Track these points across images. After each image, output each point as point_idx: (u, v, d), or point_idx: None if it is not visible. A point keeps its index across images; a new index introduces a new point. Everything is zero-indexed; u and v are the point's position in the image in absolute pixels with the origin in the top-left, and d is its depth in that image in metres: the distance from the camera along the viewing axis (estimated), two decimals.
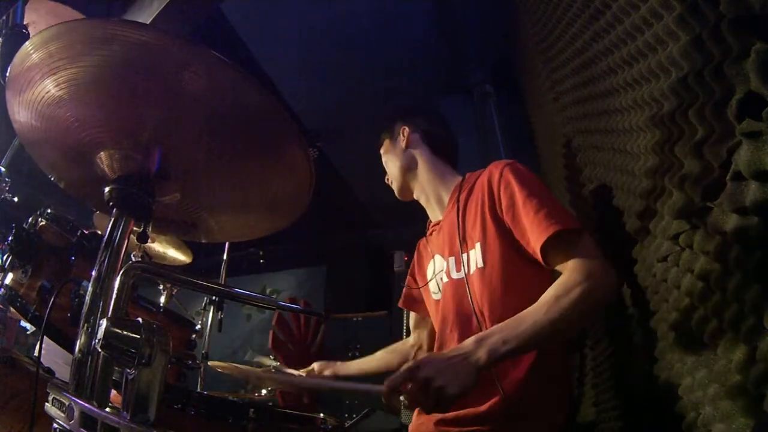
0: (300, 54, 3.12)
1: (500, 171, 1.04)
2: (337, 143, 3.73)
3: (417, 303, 1.32)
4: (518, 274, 0.99)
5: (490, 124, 2.87)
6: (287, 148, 0.74)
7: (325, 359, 1.42)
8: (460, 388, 0.73)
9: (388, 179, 1.33)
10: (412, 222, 1.39)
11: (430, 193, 1.24)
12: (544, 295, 0.84)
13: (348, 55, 3.13)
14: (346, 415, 2.66)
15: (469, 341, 0.80)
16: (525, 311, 0.83)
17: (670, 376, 0.75)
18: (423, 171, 1.25)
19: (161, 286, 2.07)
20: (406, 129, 1.28)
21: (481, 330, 0.94)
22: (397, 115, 1.36)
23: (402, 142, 1.28)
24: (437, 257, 1.19)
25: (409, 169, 1.26)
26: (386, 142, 1.33)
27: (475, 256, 1.04)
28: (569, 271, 0.86)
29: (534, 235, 0.92)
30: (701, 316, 0.64)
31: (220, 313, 2.23)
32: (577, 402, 1.24)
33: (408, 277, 1.37)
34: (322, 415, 1.06)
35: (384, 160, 1.33)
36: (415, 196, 1.30)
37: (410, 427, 1.06)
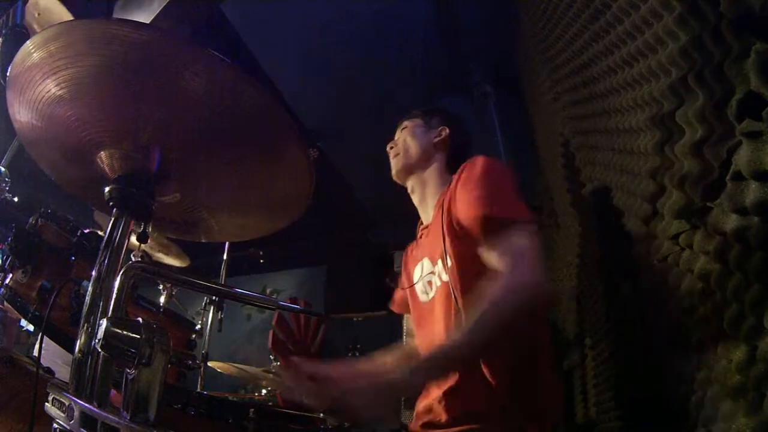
0: (300, 54, 3.12)
1: (462, 168, 1.08)
2: (337, 143, 3.73)
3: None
4: (474, 262, 0.98)
5: (490, 124, 2.87)
6: (287, 148, 0.74)
7: (325, 359, 1.42)
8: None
9: (392, 147, 1.31)
10: (412, 222, 1.38)
11: (428, 194, 1.25)
12: (468, 316, 0.84)
13: (348, 55, 3.12)
14: None
15: (399, 367, 0.80)
16: (452, 335, 0.85)
17: (670, 377, 0.75)
18: (432, 173, 1.26)
19: (161, 286, 2.08)
20: (447, 131, 1.29)
21: None
22: (444, 112, 1.36)
23: (436, 138, 1.28)
24: (425, 260, 1.19)
25: (424, 160, 1.26)
26: (418, 121, 1.32)
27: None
28: (492, 278, 0.85)
29: (465, 214, 0.95)
30: (701, 316, 0.64)
31: (220, 313, 2.24)
32: (577, 402, 1.24)
33: (401, 281, 1.38)
34: (322, 415, 1.06)
35: (405, 134, 1.31)
36: (408, 187, 1.29)
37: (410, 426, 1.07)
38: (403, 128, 1.32)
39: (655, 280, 0.80)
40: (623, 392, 1.01)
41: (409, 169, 1.27)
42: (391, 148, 1.31)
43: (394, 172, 1.29)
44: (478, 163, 1.05)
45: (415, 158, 1.26)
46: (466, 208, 0.97)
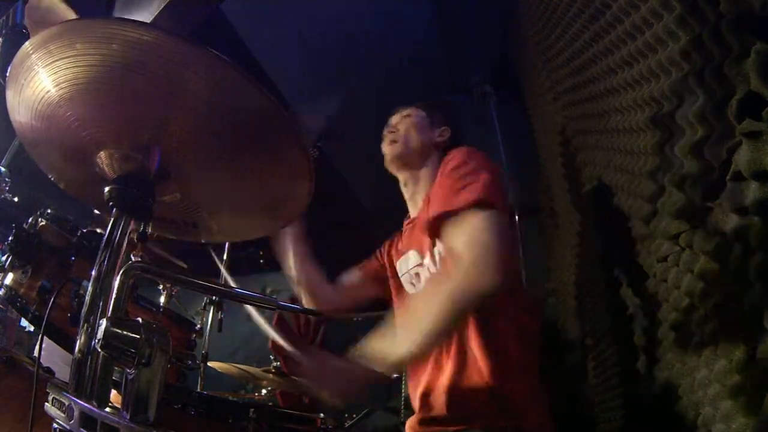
0: (300, 54, 3.12)
1: (444, 162, 1.08)
2: (337, 143, 3.72)
3: (376, 281, 1.35)
4: None
5: (490, 124, 2.87)
6: (287, 148, 0.74)
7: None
8: (337, 397, 0.87)
9: (390, 132, 1.29)
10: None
11: (419, 191, 1.25)
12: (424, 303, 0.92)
13: (348, 55, 3.12)
14: (346, 415, 2.66)
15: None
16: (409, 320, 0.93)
17: (670, 376, 0.75)
18: (426, 172, 1.25)
19: (161, 286, 2.07)
20: (448, 132, 1.28)
21: None
22: (447, 111, 1.36)
23: (438, 137, 1.27)
24: (412, 253, 1.18)
25: (421, 157, 1.25)
26: (422, 114, 1.31)
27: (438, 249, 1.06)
28: (445, 266, 0.92)
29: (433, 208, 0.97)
30: (701, 316, 0.65)
31: (220, 313, 2.24)
32: (578, 401, 1.24)
33: (377, 255, 1.39)
34: (322, 415, 1.06)
35: (407, 123, 1.29)
36: (401, 180, 1.28)
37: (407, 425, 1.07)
38: (406, 115, 1.30)
39: (655, 280, 0.80)
40: (623, 392, 1.01)
41: (404, 160, 1.25)
42: (391, 132, 1.28)
43: (388, 157, 1.27)
44: (455, 155, 1.06)
45: (413, 152, 1.24)
46: (435, 205, 0.98)
